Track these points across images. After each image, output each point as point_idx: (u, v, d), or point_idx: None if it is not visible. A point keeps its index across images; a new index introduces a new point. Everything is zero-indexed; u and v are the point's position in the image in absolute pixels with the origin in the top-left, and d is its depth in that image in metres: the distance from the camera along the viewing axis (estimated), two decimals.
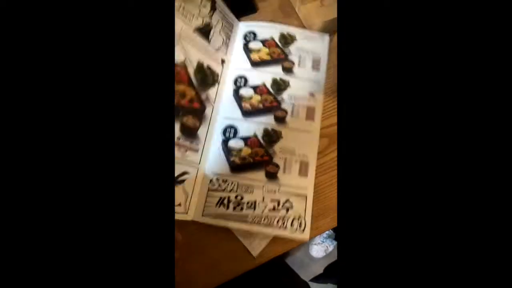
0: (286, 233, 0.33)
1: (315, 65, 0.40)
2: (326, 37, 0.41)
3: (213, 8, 0.37)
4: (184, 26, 0.33)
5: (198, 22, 0.35)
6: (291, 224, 0.33)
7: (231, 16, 0.40)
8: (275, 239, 0.34)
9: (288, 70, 0.39)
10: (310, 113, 0.37)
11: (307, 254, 0.96)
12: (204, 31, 0.36)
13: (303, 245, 0.93)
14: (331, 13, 0.39)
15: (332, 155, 0.37)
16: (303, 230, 0.33)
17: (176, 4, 0.33)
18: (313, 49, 0.40)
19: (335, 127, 0.38)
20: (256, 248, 0.34)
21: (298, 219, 0.34)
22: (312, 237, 0.34)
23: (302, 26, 0.42)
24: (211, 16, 0.37)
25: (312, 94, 0.38)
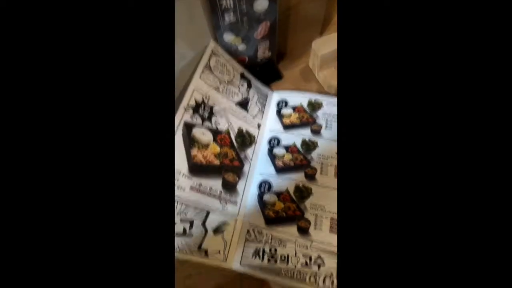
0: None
1: None
2: None
3: (249, 86, 0.46)
4: (228, 102, 0.42)
5: (239, 98, 0.44)
6: (323, 282, 0.34)
7: (264, 89, 0.49)
8: None
9: (316, 132, 0.44)
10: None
11: None
12: (243, 104, 0.44)
13: None
14: None
15: None
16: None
17: (221, 86, 0.42)
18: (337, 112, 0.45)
19: None
20: None
21: (330, 277, 0.34)
22: None
23: (322, 89, 0.48)
24: (248, 92, 0.46)
25: None
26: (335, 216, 0.37)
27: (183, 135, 0.36)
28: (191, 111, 0.37)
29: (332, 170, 0.41)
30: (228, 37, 0.42)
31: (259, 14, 0.39)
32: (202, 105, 0.39)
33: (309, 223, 0.37)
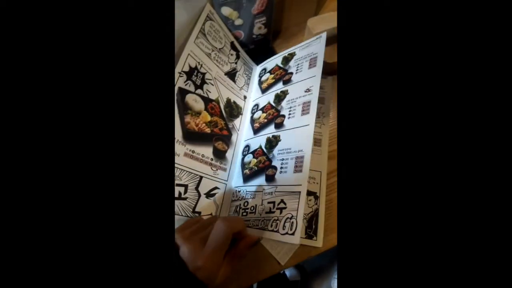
0: (277, 236, 0.32)
1: (312, 63, 0.41)
2: (323, 35, 0.42)
3: (238, 56, 0.46)
4: (218, 70, 0.42)
5: (228, 68, 0.44)
6: (283, 227, 0.32)
7: (251, 61, 0.49)
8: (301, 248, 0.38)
9: (287, 81, 0.43)
10: (305, 108, 0.38)
11: None
12: (232, 74, 0.45)
13: (325, 279, 0.90)
14: None
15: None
16: (294, 232, 0.31)
17: (213, 53, 0.42)
18: (310, 52, 0.43)
19: None
20: (283, 257, 0.38)
21: (290, 220, 0.32)
22: (323, 249, 0.38)
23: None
24: (236, 62, 0.46)
25: (308, 90, 0.39)
26: (300, 154, 0.35)
27: (177, 101, 0.35)
28: (185, 77, 0.37)
29: (299, 109, 0.39)
30: (226, 11, 0.41)
31: None
32: (195, 71, 0.38)
33: (276, 169, 0.36)
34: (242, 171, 0.41)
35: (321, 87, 0.48)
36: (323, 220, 0.40)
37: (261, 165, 0.39)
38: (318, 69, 0.40)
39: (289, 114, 0.40)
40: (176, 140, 0.35)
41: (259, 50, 0.48)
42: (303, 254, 0.39)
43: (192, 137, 0.37)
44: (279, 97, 0.43)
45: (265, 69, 0.49)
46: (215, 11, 0.41)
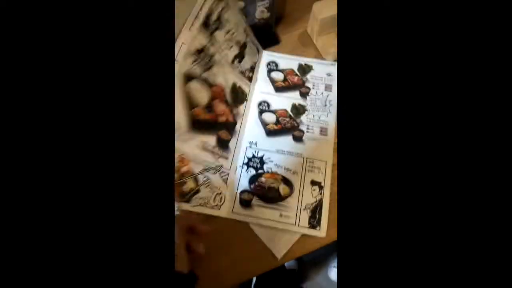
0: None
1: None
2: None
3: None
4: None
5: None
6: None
7: (258, 44, 0.47)
8: (299, 241, 0.38)
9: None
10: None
11: (326, 277, 0.92)
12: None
13: (322, 268, 0.91)
14: None
15: None
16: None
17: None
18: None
19: None
20: (280, 250, 0.37)
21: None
22: (326, 241, 0.37)
23: (319, 55, 0.49)
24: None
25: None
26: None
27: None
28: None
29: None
30: None
31: None
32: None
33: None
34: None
35: (328, 74, 0.47)
36: (327, 210, 0.39)
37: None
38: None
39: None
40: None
41: (261, 34, 0.46)
42: (306, 247, 0.38)
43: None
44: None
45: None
46: None
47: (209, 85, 0.38)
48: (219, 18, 0.39)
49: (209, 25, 0.38)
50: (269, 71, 0.47)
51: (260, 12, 0.44)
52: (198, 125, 0.36)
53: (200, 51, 0.37)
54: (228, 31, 0.41)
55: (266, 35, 0.48)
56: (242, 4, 0.41)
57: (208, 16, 0.38)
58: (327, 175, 0.41)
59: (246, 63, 0.45)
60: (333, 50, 0.46)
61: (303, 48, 0.49)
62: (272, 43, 0.49)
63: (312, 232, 0.38)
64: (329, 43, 0.46)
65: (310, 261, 0.90)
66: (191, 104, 0.35)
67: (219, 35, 0.39)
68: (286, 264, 0.84)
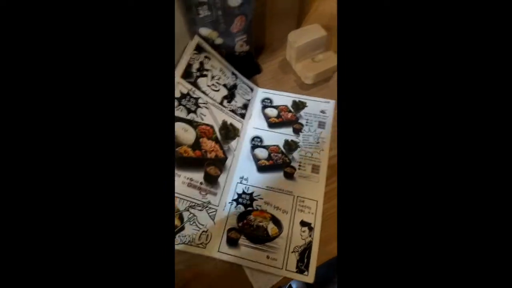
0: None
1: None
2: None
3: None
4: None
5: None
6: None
7: (250, 84, 0.49)
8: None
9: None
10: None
11: None
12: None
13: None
14: (322, 66, 0.47)
15: (335, 184, 0.41)
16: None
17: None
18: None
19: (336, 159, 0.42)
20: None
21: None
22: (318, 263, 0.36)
23: (299, 80, 0.50)
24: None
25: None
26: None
27: None
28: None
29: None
30: (205, 32, 0.41)
31: (234, 8, 0.39)
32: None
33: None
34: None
35: (322, 111, 0.47)
36: (317, 253, 0.37)
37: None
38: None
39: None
40: None
41: (243, 65, 0.48)
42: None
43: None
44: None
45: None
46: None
47: (196, 125, 0.39)
48: (200, 68, 0.41)
49: (191, 74, 0.40)
50: (264, 107, 0.48)
51: (239, 46, 0.46)
52: (184, 163, 0.37)
53: (184, 96, 0.39)
54: (213, 77, 0.43)
55: (248, 66, 0.50)
56: (221, 40, 0.43)
57: (188, 67, 0.40)
58: (317, 215, 0.39)
59: (238, 102, 0.46)
60: (311, 74, 0.47)
61: (283, 75, 0.51)
62: (254, 73, 0.51)
63: (299, 277, 0.36)
64: (306, 68, 0.48)
65: (319, 285, 0.85)
66: (176, 143, 0.37)
67: (202, 81, 0.42)
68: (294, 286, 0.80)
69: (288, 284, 0.62)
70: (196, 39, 0.41)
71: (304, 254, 0.37)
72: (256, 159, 0.44)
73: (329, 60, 0.48)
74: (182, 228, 0.36)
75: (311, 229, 0.39)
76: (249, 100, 0.48)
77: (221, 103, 0.43)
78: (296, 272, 0.36)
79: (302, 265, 0.37)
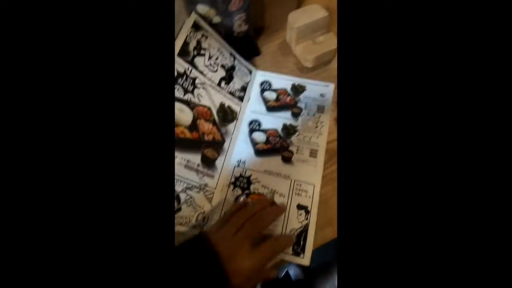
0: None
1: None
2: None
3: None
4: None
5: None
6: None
7: (249, 66, 0.48)
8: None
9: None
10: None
11: (334, 286, 0.91)
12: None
13: (330, 277, 0.89)
14: (322, 48, 0.46)
15: (333, 167, 0.41)
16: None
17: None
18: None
19: (335, 143, 0.42)
20: None
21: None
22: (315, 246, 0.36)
23: (299, 63, 0.48)
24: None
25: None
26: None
27: None
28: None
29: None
30: (202, 9, 0.39)
31: None
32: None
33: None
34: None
35: (321, 95, 0.46)
36: (313, 236, 0.37)
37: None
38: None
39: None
40: None
41: (242, 47, 0.47)
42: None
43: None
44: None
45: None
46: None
47: (193, 106, 0.38)
48: (197, 46, 0.40)
49: (188, 53, 0.39)
50: (262, 90, 0.47)
51: (238, 25, 0.44)
52: (181, 144, 0.36)
53: (180, 75, 0.37)
54: (210, 57, 0.42)
55: (246, 47, 0.48)
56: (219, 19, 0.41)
57: (185, 45, 0.39)
58: (314, 199, 0.39)
59: (236, 84, 0.45)
60: (311, 56, 0.46)
61: (282, 57, 0.50)
62: (253, 55, 0.49)
63: (295, 259, 0.36)
64: (307, 50, 0.46)
65: (317, 270, 0.87)
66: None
67: (199, 61, 0.40)
68: (292, 275, 0.82)
69: (285, 271, 0.63)
70: (194, 16, 0.39)
71: (300, 237, 0.38)
72: (254, 143, 0.43)
73: (330, 42, 0.47)
74: (179, 209, 0.36)
75: (307, 212, 0.39)
76: (247, 83, 0.47)
77: (219, 85, 0.42)
78: (292, 254, 0.37)
79: (298, 248, 0.37)
